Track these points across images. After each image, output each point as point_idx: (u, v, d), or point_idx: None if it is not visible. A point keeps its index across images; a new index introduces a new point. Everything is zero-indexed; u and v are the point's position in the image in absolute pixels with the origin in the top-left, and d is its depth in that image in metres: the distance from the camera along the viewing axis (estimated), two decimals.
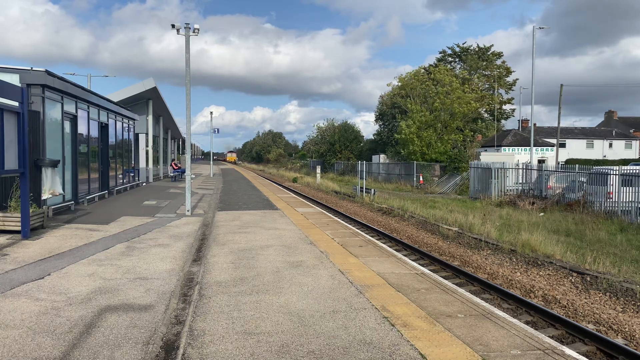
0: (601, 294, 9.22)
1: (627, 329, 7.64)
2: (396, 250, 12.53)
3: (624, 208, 17.90)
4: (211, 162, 48.27)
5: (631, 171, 18.91)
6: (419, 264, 10.69)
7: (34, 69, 12.67)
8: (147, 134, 29.93)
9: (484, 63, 55.55)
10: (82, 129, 16.31)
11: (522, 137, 52.65)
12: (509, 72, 56.93)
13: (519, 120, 61.23)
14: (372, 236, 14.47)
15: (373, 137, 61.23)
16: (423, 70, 50.95)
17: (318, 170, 44.61)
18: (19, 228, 9.85)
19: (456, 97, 40.79)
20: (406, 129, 41.17)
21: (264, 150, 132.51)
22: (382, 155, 50.91)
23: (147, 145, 29.97)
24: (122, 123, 22.20)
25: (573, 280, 10.14)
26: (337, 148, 62.54)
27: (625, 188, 18.02)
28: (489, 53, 56.75)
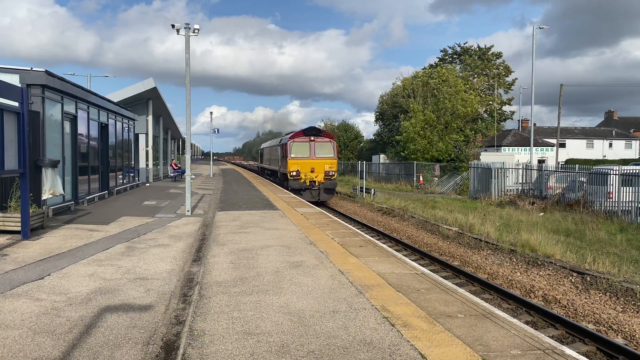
0: (601, 294, 9.22)
1: (627, 329, 7.64)
2: (396, 250, 12.53)
3: (624, 208, 17.89)
4: (211, 163, 48.28)
5: (631, 171, 18.90)
6: (419, 264, 10.69)
7: (33, 69, 12.67)
8: (147, 134, 29.93)
9: (484, 63, 55.55)
10: (82, 129, 16.31)
11: (522, 137, 52.63)
12: (508, 71, 56.94)
13: (519, 120, 61.22)
14: (372, 236, 14.47)
15: (373, 137, 61.28)
16: (426, 70, 51.04)
17: None
18: (19, 228, 9.84)
19: (460, 98, 40.89)
20: (410, 127, 41.25)
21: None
22: (382, 155, 50.94)
23: (147, 146, 29.97)
24: (122, 123, 22.20)
25: (573, 280, 10.14)
26: None
27: (625, 188, 18.01)
28: (489, 53, 56.77)
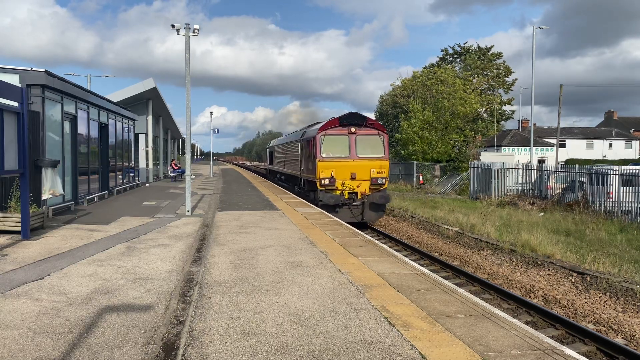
0: (601, 294, 9.22)
1: (627, 329, 7.64)
2: (396, 250, 12.53)
3: (624, 208, 17.90)
4: (211, 163, 48.28)
5: (631, 171, 18.90)
6: (419, 264, 10.69)
7: (33, 69, 12.67)
8: (147, 134, 29.94)
9: (484, 63, 55.55)
10: (82, 129, 16.32)
11: (522, 137, 52.65)
12: (508, 71, 56.95)
13: (519, 121, 61.25)
14: (372, 236, 14.47)
15: None
16: (426, 70, 51.09)
17: None
18: (18, 228, 9.84)
19: (459, 98, 40.91)
20: (409, 128, 41.26)
21: (264, 151, 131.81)
22: None
23: (147, 146, 29.98)
24: (122, 123, 22.20)
25: (573, 280, 10.14)
26: None
27: (625, 188, 18.01)
28: (489, 53, 56.78)
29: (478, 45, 58.48)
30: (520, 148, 49.09)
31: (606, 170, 19.53)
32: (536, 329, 7.00)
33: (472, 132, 44.46)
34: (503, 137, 53.51)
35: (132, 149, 25.15)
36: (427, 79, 45.30)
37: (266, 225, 12.10)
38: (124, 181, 22.79)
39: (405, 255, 10.61)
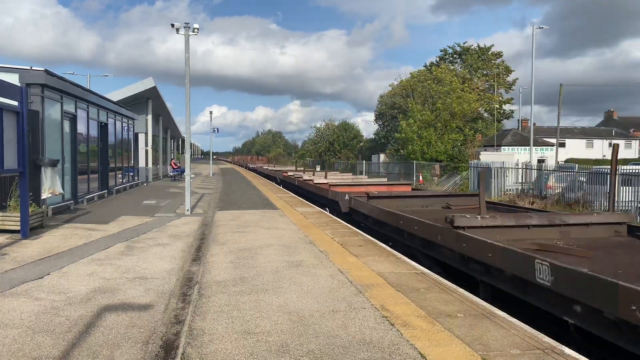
0: None
1: None
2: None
3: (623, 208, 17.89)
4: (211, 162, 48.31)
5: (631, 171, 18.89)
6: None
7: (33, 68, 12.67)
8: (146, 133, 29.95)
9: (484, 62, 55.55)
10: (81, 128, 16.31)
11: (522, 137, 52.55)
12: (508, 71, 56.94)
13: (518, 120, 61.17)
14: (371, 235, 14.44)
15: (373, 137, 61.43)
16: (425, 69, 51.17)
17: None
18: (18, 227, 9.84)
19: (456, 97, 40.93)
20: (407, 127, 41.29)
21: (263, 150, 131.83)
22: (381, 155, 51.00)
23: (146, 145, 29.98)
24: (122, 123, 22.20)
25: None
26: (336, 147, 62.79)
27: (624, 187, 18.00)
28: (489, 53, 56.79)
29: (478, 44, 58.52)
30: (520, 147, 48.98)
31: (606, 170, 19.52)
32: (536, 329, 6.98)
33: (472, 132, 44.46)
34: (503, 137, 53.44)
35: (132, 148, 25.16)
36: (425, 79, 45.38)
37: (266, 224, 12.10)
38: (124, 180, 22.79)
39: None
